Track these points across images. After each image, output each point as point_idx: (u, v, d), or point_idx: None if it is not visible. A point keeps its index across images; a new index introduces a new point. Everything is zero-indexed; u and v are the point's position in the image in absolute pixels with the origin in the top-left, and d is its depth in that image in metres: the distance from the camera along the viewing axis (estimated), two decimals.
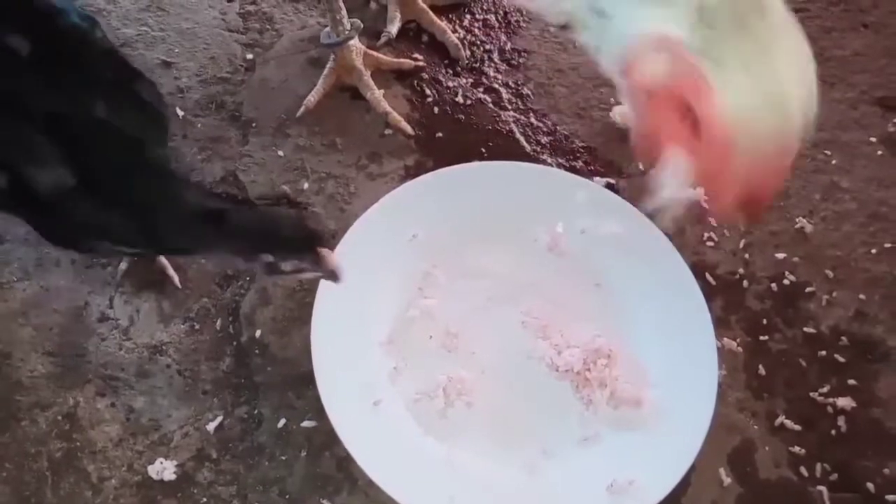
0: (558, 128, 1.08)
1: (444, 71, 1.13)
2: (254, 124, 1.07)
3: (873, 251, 0.99)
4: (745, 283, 0.95)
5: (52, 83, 0.59)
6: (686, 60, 0.39)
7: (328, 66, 1.08)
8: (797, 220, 1.00)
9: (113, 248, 0.69)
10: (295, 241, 0.69)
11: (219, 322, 0.91)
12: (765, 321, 0.93)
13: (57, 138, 0.58)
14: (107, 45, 0.66)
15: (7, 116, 0.58)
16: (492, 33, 1.18)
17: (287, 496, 0.81)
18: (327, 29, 1.06)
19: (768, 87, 0.41)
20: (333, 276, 0.74)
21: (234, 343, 0.90)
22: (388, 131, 1.06)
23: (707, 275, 0.95)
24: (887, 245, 0.99)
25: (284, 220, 0.70)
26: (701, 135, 0.40)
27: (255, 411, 0.86)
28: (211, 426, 0.84)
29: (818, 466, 0.84)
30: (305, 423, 0.85)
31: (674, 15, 0.39)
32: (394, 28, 1.14)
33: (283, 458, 0.83)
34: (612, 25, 0.43)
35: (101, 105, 0.61)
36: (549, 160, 1.04)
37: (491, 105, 1.10)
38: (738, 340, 0.91)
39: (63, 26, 0.61)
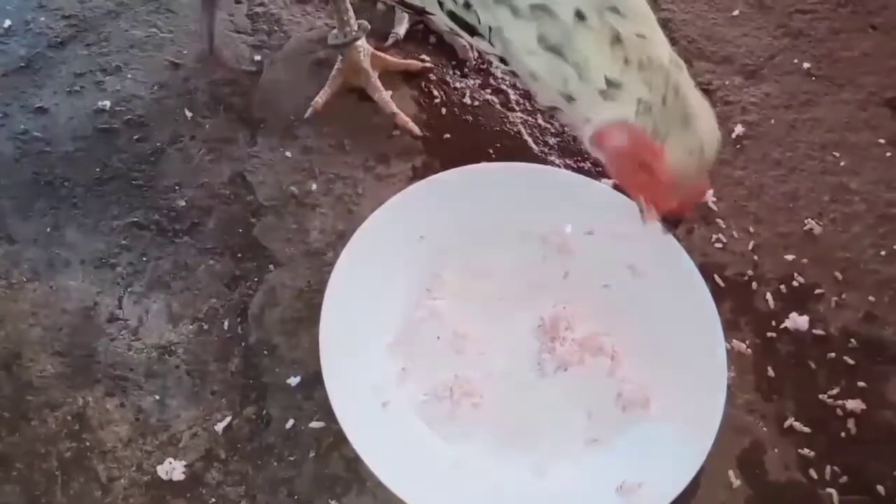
0: (566, 129, 1.08)
1: (451, 72, 1.13)
2: (262, 125, 1.07)
3: (882, 253, 0.98)
4: (754, 284, 0.95)
5: None
6: (641, 134, 0.62)
7: (336, 67, 1.08)
8: (806, 221, 1.00)
9: None
10: None
11: (227, 322, 0.91)
12: (774, 323, 0.92)
13: None
14: None
15: None
16: None
17: (296, 497, 0.81)
18: (335, 30, 1.06)
19: (691, 143, 0.63)
20: None
21: (243, 343, 0.90)
22: (395, 132, 1.06)
23: (716, 276, 0.95)
24: None
25: None
26: (653, 175, 0.64)
27: (264, 412, 0.86)
28: (219, 426, 0.85)
29: (828, 469, 0.84)
30: (314, 424, 0.85)
31: (623, 109, 0.62)
32: (401, 29, 1.14)
33: (292, 458, 0.83)
34: (579, 109, 0.65)
35: None
36: (557, 161, 1.04)
37: (498, 106, 1.10)
38: (747, 342, 0.91)
39: None
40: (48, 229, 0.98)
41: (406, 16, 1.15)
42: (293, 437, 0.84)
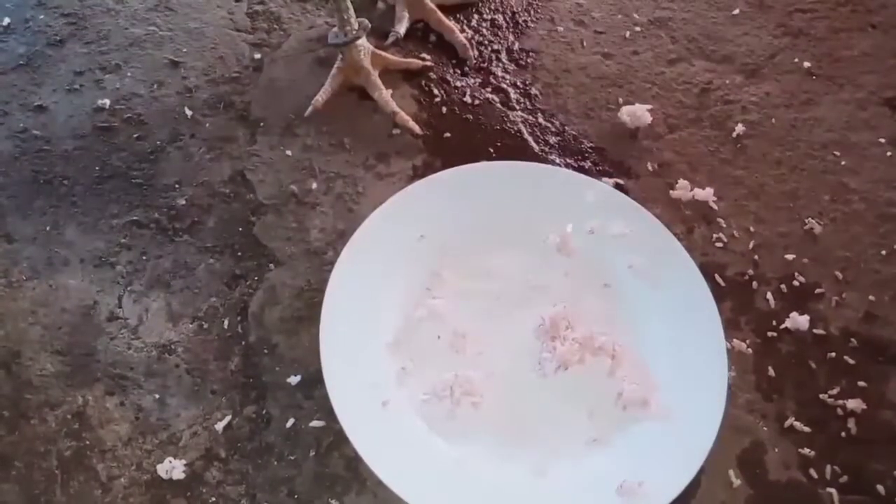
0: (566, 128, 1.08)
1: (451, 71, 1.13)
2: (262, 124, 1.07)
3: (883, 252, 0.98)
4: (755, 284, 0.95)
5: None
6: None
7: (336, 65, 1.08)
8: (806, 220, 1.00)
9: None
10: None
11: (227, 321, 0.91)
12: (774, 322, 0.92)
13: None
14: None
15: None
16: (499, 33, 1.18)
17: (296, 496, 0.81)
18: (335, 29, 1.06)
19: None
20: None
21: (243, 342, 0.90)
22: (396, 131, 1.06)
23: (716, 276, 0.95)
24: None
25: None
26: None
27: (264, 411, 0.86)
28: (219, 426, 0.85)
29: (828, 468, 0.84)
30: (314, 423, 0.85)
31: None
32: (402, 28, 1.14)
33: (292, 457, 0.83)
34: None
35: None
36: (558, 160, 1.04)
37: (499, 105, 1.10)
38: (747, 342, 0.91)
39: None
40: (47, 228, 0.98)
41: (406, 14, 1.15)
42: (293, 436, 0.84)
